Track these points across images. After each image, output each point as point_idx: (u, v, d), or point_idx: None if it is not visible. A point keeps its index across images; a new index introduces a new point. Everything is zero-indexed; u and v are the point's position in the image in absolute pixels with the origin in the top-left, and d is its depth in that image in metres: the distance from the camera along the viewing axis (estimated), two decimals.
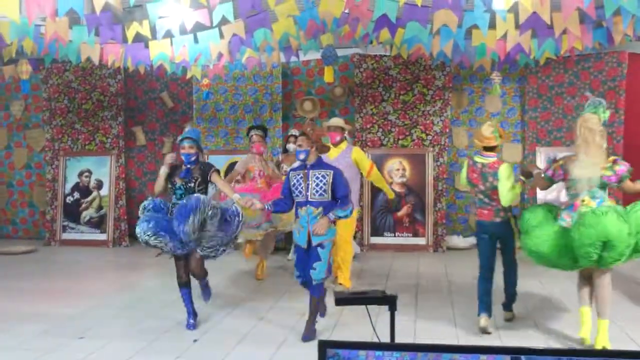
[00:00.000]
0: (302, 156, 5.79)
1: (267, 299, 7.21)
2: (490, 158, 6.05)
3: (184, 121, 11.82)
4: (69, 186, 11.94)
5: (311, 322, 5.83)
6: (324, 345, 2.13)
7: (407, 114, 10.84)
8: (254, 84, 11.23)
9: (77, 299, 7.60)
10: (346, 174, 7.42)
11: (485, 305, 6.00)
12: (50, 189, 11.99)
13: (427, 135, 10.76)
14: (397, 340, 3.33)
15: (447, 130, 10.76)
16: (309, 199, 5.75)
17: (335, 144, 7.65)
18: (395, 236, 10.74)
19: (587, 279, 5.67)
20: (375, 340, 3.71)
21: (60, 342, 5.91)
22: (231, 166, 10.94)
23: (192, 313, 6.27)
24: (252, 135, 8.31)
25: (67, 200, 11.85)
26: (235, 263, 9.00)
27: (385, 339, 3.36)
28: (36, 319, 6.70)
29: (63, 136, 12.07)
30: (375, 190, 10.76)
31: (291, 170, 5.99)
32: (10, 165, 12.71)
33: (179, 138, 6.27)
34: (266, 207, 5.97)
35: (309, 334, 5.78)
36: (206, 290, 6.55)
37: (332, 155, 7.52)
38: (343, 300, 3.21)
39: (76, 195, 11.83)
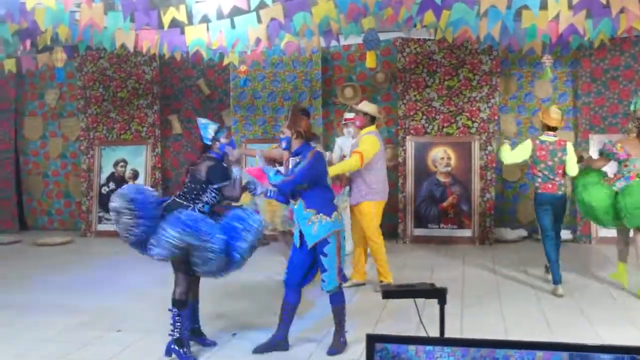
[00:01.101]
0: (283, 144, 5.44)
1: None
2: (555, 137, 7.26)
3: (221, 109, 11.90)
4: (104, 176, 12.11)
5: (339, 333, 5.46)
6: (372, 340, 2.11)
7: (452, 101, 10.73)
8: (293, 70, 11.23)
9: (114, 291, 7.71)
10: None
11: (557, 275, 7.17)
12: (86, 179, 12.16)
13: (473, 122, 10.63)
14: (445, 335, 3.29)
15: (495, 117, 10.62)
16: None
17: (359, 128, 7.59)
18: (439, 228, 10.66)
19: (625, 241, 7.31)
20: (422, 334, 3.68)
21: (97, 334, 6.00)
22: None
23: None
24: None
25: (103, 191, 12.00)
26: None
27: (432, 333, 3.34)
28: (73, 311, 6.81)
29: (98, 125, 12.23)
30: (419, 180, 10.70)
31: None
32: (46, 155, 12.93)
33: (215, 128, 5.55)
34: (269, 194, 5.60)
35: (335, 348, 5.40)
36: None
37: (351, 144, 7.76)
38: (390, 293, 3.18)
39: (112, 185, 11.97)
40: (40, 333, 6.07)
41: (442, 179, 10.71)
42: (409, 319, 5.68)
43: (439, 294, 3.11)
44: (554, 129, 7.31)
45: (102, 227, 11.93)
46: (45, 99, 12.87)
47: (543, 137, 7.30)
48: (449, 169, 10.69)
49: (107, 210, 11.52)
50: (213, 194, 5.40)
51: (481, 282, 7.81)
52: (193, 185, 5.38)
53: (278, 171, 5.45)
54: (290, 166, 5.37)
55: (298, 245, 5.36)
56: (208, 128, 5.55)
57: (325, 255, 5.25)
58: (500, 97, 10.83)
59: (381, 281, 7.46)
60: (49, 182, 12.95)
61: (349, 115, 8.73)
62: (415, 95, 10.87)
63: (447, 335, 3.22)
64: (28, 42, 8.06)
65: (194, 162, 5.58)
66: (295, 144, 5.35)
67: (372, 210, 7.43)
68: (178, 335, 5.30)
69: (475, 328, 5.91)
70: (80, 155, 12.40)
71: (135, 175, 11.90)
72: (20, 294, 7.67)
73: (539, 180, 7.23)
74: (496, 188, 10.77)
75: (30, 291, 7.84)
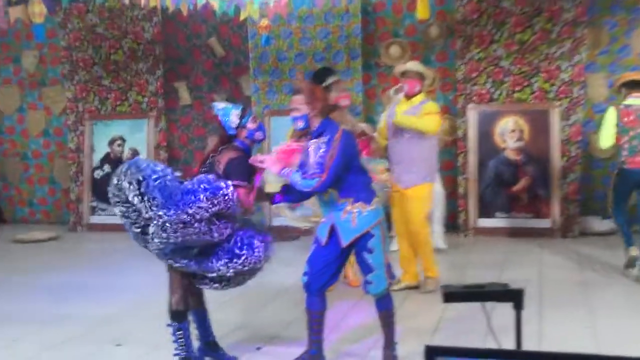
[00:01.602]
0: (300, 124, 5.26)
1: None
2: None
3: (238, 74, 11.92)
4: (97, 157, 12.24)
5: (389, 346, 5.43)
6: (433, 353, 2.11)
7: (526, 59, 10.63)
8: (326, 25, 11.21)
9: (111, 297, 7.79)
10: (413, 137, 7.36)
11: (631, 239, 7.87)
12: (75, 162, 12.29)
13: (552, 85, 10.54)
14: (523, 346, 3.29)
15: (580, 79, 10.50)
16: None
17: (412, 96, 7.51)
18: (510, 217, 10.63)
19: None
20: (492, 346, 3.67)
21: (92, 349, 6.07)
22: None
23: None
24: (333, 83, 7.54)
25: (96, 175, 12.13)
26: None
27: (504, 344, 3.33)
28: (62, 321, 6.89)
29: (88, 95, 12.33)
30: (484, 158, 10.64)
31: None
32: (24, 132, 13.08)
33: (239, 113, 5.41)
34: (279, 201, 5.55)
35: None
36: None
37: (400, 112, 7.51)
38: (453, 295, 3.17)
39: (106, 168, 12.08)
40: (26, 348, 6.16)
41: (512, 156, 10.65)
42: (473, 327, 5.72)
43: (514, 297, 3.09)
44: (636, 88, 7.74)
45: (95, 219, 12.06)
46: (21, 63, 12.99)
47: (629, 101, 7.71)
48: (522, 143, 10.62)
49: (101, 198, 11.79)
50: None
51: (564, 284, 7.77)
52: None
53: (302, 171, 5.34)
54: (312, 151, 5.24)
55: (325, 242, 5.28)
56: (230, 114, 5.39)
57: (370, 251, 5.21)
58: (587, 53, 10.69)
59: (427, 277, 7.52)
60: (29, 166, 13.11)
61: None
62: (478, 53, 10.80)
63: (524, 347, 3.22)
64: None
65: (214, 150, 5.45)
66: (315, 122, 5.25)
67: (427, 194, 7.51)
68: (185, 354, 5.33)
69: (558, 340, 5.89)
70: (67, 132, 12.52)
71: (135, 156, 11.97)
72: None
73: (625, 153, 7.68)
74: (582, 167, 10.67)
75: (8, 298, 7.95)
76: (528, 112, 10.62)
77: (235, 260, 5.14)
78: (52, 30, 12.36)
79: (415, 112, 7.39)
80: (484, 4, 10.75)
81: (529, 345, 5.33)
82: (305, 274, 5.35)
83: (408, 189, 7.47)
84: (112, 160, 12.06)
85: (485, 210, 10.72)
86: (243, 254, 5.15)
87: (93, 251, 10.50)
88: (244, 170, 5.27)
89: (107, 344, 6.20)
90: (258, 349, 5.99)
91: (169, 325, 5.34)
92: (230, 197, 5.01)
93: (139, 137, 12.08)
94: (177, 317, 5.31)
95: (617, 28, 10.72)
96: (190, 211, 4.84)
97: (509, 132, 10.68)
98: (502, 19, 10.72)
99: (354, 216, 5.16)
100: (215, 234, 5.01)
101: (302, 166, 5.32)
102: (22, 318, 7.07)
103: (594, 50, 10.77)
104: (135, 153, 11.96)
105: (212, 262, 5.13)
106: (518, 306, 3.11)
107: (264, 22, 9.74)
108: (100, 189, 12.02)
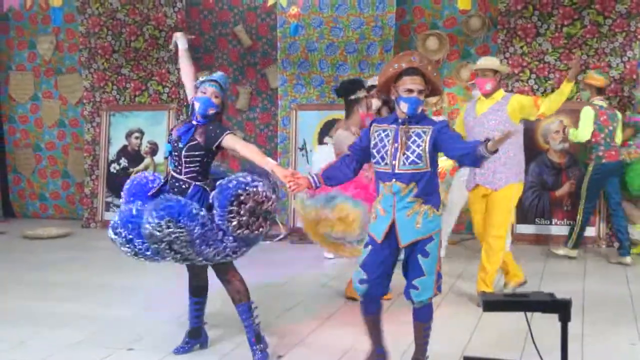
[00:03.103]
0: (420, 108, 5.11)
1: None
2: (605, 101, 9.39)
3: (265, 65, 11.89)
4: (114, 150, 12.25)
5: (421, 357, 5.33)
6: None
7: (573, 54, 10.51)
8: (359, 14, 11.16)
9: (125, 298, 7.78)
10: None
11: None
12: (90, 154, 12.31)
13: None
14: None
15: (633, 76, 10.34)
16: (396, 170, 5.03)
17: (487, 94, 7.32)
18: (551, 224, 10.57)
19: None
20: (531, 358, 3.61)
21: (102, 354, 6.03)
22: (327, 126, 10.89)
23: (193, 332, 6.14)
24: (369, 98, 7.77)
25: (112, 169, 12.15)
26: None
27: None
28: (72, 322, 6.88)
29: (106, 84, 12.35)
30: (525, 160, 10.48)
31: (375, 121, 5.32)
32: (38, 122, 13.13)
33: (201, 79, 5.77)
34: (312, 179, 5.32)
35: None
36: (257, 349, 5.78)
37: (480, 111, 7.30)
38: (493, 304, 3.09)
39: (123, 162, 12.10)
40: (31, 351, 6.13)
41: (556, 159, 10.58)
42: (510, 340, 5.66)
43: (560, 308, 3.01)
44: (602, 92, 9.36)
45: (110, 215, 12.06)
46: (37, 49, 13.04)
47: (599, 102, 9.24)
48: (566, 145, 10.50)
49: (116, 194, 11.77)
50: None
51: (609, 297, 7.67)
52: None
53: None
54: (398, 136, 5.06)
55: (380, 239, 5.14)
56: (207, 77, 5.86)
57: (426, 255, 5.06)
58: None
59: (483, 292, 7.29)
60: (42, 158, 13.16)
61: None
62: (522, 47, 10.72)
63: None
64: None
65: None
66: (420, 107, 5.12)
67: (515, 195, 7.36)
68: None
69: (601, 356, 5.81)
70: (83, 123, 12.54)
71: (153, 150, 11.99)
72: (3, 301, 7.77)
73: (602, 148, 9.12)
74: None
75: (16, 297, 7.94)
76: (573, 112, 10.44)
77: None
78: (70, 15, 12.40)
79: (500, 109, 7.18)
80: None
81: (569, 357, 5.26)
82: (362, 281, 5.17)
83: (500, 189, 7.20)
84: (130, 154, 12.08)
85: (525, 217, 10.64)
86: None
87: (106, 249, 10.37)
88: None
89: (119, 348, 6.17)
90: (279, 357, 5.91)
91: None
92: None
93: (158, 129, 12.04)
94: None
95: None
96: None
97: (553, 132, 10.56)
98: (548, 11, 10.61)
99: (419, 218, 5.04)
100: None
101: (381, 148, 5.15)
102: (29, 318, 7.05)
103: None
104: (154, 147, 11.97)
105: None
106: (564, 318, 3.02)
107: (294, 9, 9.71)
108: (116, 184, 12.04)
